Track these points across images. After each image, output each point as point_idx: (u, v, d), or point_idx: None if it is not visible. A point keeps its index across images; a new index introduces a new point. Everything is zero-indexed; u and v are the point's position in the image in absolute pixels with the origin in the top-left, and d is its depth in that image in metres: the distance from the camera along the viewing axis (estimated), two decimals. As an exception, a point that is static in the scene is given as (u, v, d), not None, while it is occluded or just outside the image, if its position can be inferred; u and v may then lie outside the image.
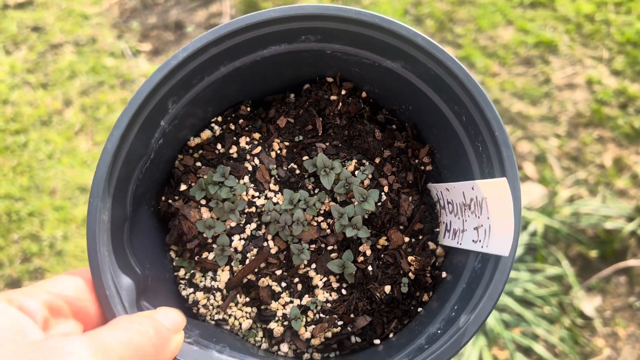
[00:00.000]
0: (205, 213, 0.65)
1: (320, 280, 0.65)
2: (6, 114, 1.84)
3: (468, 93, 0.58)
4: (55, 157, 1.78)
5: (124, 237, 0.59)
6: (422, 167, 0.69)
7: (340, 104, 0.68)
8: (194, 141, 0.68)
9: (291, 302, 0.65)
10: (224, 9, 2.03)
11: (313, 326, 0.64)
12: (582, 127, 1.78)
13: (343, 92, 0.69)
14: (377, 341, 0.64)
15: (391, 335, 0.64)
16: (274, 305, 0.64)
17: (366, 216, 0.66)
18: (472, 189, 0.58)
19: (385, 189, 0.66)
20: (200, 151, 0.68)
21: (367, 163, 0.67)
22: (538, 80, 1.85)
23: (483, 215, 0.57)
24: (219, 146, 0.68)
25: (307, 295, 0.65)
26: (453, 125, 0.63)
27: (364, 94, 0.71)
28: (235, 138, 0.68)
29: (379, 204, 0.65)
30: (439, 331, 0.57)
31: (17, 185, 1.74)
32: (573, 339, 1.51)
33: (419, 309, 0.65)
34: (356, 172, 0.66)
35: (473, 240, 0.59)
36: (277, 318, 0.64)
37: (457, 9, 2.00)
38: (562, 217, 1.63)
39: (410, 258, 0.64)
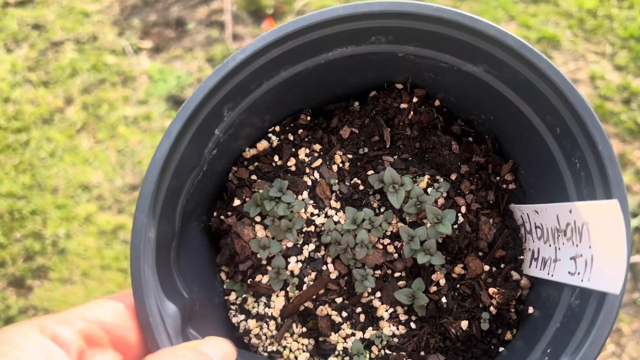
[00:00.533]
0: (260, 231, 0.59)
1: (386, 311, 0.58)
2: (7, 112, 1.84)
3: (565, 101, 0.50)
4: (57, 155, 1.77)
5: (171, 257, 0.53)
6: (505, 186, 0.61)
7: (412, 112, 0.61)
8: (249, 152, 0.62)
9: (353, 334, 0.58)
10: (225, 6, 1.99)
11: (377, 363, 0.57)
12: None
13: (415, 99, 0.62)
14: (450, 384, 0.56)
15: (467, 378, 0.56)
16: (333, 337, 0.57)
17: (440, 240, 0.58)
18: (570, 212, 0.50)
19: (463, 209, 0.58)
20: (256, 163, 0.62)
21: (442, 179, 0.60)
22: None
23: (584, 243, 0.49)
24: (276, 158, 0.62)
25: (370, 328, 0.58)
26: (544, 137, 0.54)
27: (437, 102, 0.63)
28: (293, 149, 0.62)
29: (456, 226, 0.58)
30: (529, 379, 0.48)
31: (19, 184, 1.73)
32: None
33: (500, 349, 0.56)
34: (429, 190, 0.59)
35: (570, 272, 0.51)
36: (337, 352, 0.57)
37: (459, 4, 1.95)
38: None
39: (491, 290, 0.56)
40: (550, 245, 0.54)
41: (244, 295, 0.59)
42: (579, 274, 0.49)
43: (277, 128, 0.63)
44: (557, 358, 0.47)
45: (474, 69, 0.56)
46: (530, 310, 0.56)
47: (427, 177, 0.59)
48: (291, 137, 0.63)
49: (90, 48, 1.96)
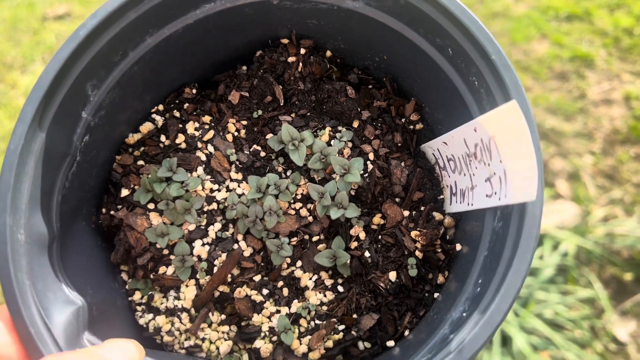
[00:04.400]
0: (156, 219, 0.53)
1: (310, 279, 0.53)
2: None
3: (450, 16, 0.47)
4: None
5: (54, 260, 0.46)
6: (411, 127, 0.57)
7: (301, 65, 0.57)
8: (132, 137, 0.56)
9: (277, 311, 0.52)
10: None
11: (309, 337, 0.51)
12: (619, 144, 1.69)
13: (302, 51, 0.57)
14: (390, 343, 0.51)
15: (407, 332, 0.52)
16: (256, 318, 0.52)
17: (352, 192, 0.54)
18: (475, 130, 0.47)
19: (371, 156, 0.54)
20: (142, 148, 0.56)
21: (344, 129, 0.55)
22: (573, 96, 1.76)
23: (494, 159, 0.46)
24: (162, 138, 0.56)
25: (296, 300, 0.53)
26: (439, 63, 0.51)
27: (328, 53, 0.59)
28: (181, 125, 0.56)
29: (366, 174, 0.53)
30: (464, 314, 0.44)
31: None
32: None
33: (435, 295, 0.52)
34: (332, 142, 0.55)
35: (487, 195, 0.47)
36: (262, 334, 0.52)
37: (490, 21, 1.92)
38: (596, 237, 1.54)
39: (413, 233, 0.52)
40: (464, 175, 0.51)
41: (150, 292, 0.53)
42: (495, 193, 0.46)
43: (161, 107, 0.58)
44: (488, 285, 0.43)
45: (354, 4, 0.52)
46: (458, 247, 0.52)
47: (328, 129, 0.55)
48: (177, 114, 0.57)
49: None
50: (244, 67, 0.59)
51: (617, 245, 1.54)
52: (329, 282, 0.53)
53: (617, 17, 1.93)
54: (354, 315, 0.52)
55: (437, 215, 0.54)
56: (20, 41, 1.98)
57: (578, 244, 1.52)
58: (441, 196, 0.55)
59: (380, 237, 0.53)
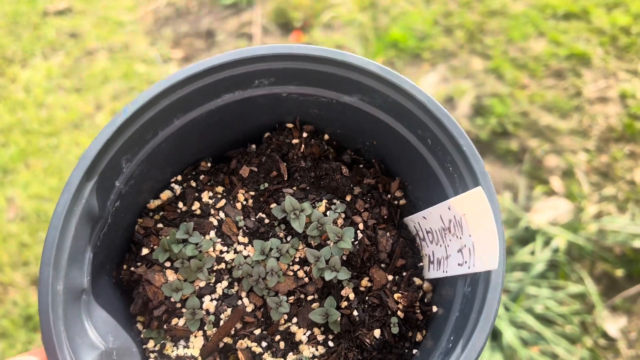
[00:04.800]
0: (171, 275, 0.60)
1: (304, 334, 0.60)
2: (41, 117, 1.85)
3: (429, 113, 0.57)
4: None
5: (82, 310, 0.53)
6: (396, 202, 0.66)
7: (303, 146, 0.66)
8: (154, 203, 0.64)
9: (275, 362, 0.59)
10: (255, 18, 2.06)
11: (302, 386, 0.58)
12: (613, 142, 1.73)
13: (304, 134, 0.67)
14: (374, 394, 0.58)
15: (388, 384, 0.58)
16: (256, 368, 0.58)
17: (344, 257, 0.62)
18: (449, 209, 0.56)
19: (361, 226, 0.63)
20: (161, 212, 0.64)
21: (338, 202, 0.64)
22: (569, 93, 1.81)
23: (465, 234, 0.54)
24: (180, 204, 0.64)
25: (291, 353, 0.59)
26: (420, 151, 0.61)
27: (326, 137, 0.69)
28: (197, 194, 0.65)
29: (356, 242, 0.62)
30: (438, 366, 0.51)
31: (47, 186, 1.72)
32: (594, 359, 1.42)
33: (414, 351, 0.59)
34: (328, 212, 0.63)
35: (459, 264, 0.56)
36: (261, 382, 0.58)
37: (487, 20, 1.98)
38: (588, 233, 1.57)
39: (396, 295, 0.60)
40: (440, 246, 0.60)
41: (162, 341, 0.60)
42: (465, 262, 0.55)
43: (179, 177, 0.66)
44: (458, 341, 0.51)
45: (350, 100, 0.62)
46: (435, 309, 0.60)
47: (324, 201, 0.64)
48: (194, 184, 0.66)
49: (122, 57, 1.99)
50: (254, 146, 0.69)
51: (609, 241, 1.56)
52: (320, 338, 0.60)
53: (615, 15, 1.96)
54: (343, 368, 0.58)
55: (417, 280, 0.62)
56: (21, 36, 2.04)
57: (570, 240, 1.54)
58: (421, 263, 0.63)
59: (367, 297, 0.60)
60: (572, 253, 1.58)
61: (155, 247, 0.62)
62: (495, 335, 1.41)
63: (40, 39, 2.06)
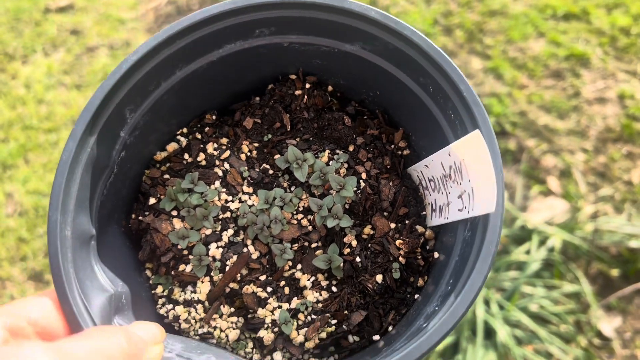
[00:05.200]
0: (178, 224, 0.62)
1: (308, 280, 0.61)
2: (40, 113, 1.87)
3: (430, 60, 0.57)
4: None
5: (91, 254, 0.55)
6: (399, 152, 0.66)
7: (306, 97, 0.67)
8: (160, 155, 0.66)
9: (279, 307, 0.61)
10: None
11: (305, 329, 0.60)
12: (611, 143, 1.73)
13: (307, 85, 0.67)
14: (376, 337, 0.60)
15: (390, 328, 0.60)
16: (261, 312, 0.60)
17: (347, 206, 0.62)
18: (449, 155, 0.56)
19: (363, 175, 0.63)
20: (168, 164, 0.66)
21: (341, 152, 0.65)
22: (567, 94, 1.81)
23: (464, 179, 0.54)
24: (186, 156, 0.66)
25: (295, 298, 0.61)
26: (422, 99, 0.61)
27: (330, 88, 0.69)
28: (202, 146, 0.66)
29: (358, 191, 0.62)
30: (436, 308, 0.52)
31: (46, 182, 1.76)
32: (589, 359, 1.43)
33: (416, 296, 0.60)
34: (330, 162, 0.64)
35: (459, 210, 0.56)
36: (266, 325, 0.60)
37: (487, 19, 1.97)
38: (584, 233, 1.57)
39: (398, 242, 0.61)
40: (442, 193, 0.60)
41: (170, 287, 0.62)
42: (465, 207, 0.55)
43: (185, 130, 0.67)
44: (456, 284, 0.51)
45: (352, 48, 0.62)
46: (436, 255, 0.61)
47: (327, 151, 0.64)
48: (199, 136, 0.67)
49: (122, 54, 2.00)
50: (257, 98, 0.69)
51: (605, 241, 1.56)
52: (324, 283, 0.61)
53: (615, 16, 1.94)
54: (345, 312, 0.60)
55: (420, 228, 0.62)
56: (23, 32, 2.05)
57: (566, 240, 1.54)
58: (424, 212, 0.64)
59: (369, 245, 0.61)
60: (568, 252, 1.58)
61: (162, 196, 0.63)
62: (489, 333, 1.41)
63: (42, 36, 2.06)
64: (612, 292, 1.54)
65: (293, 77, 0.68)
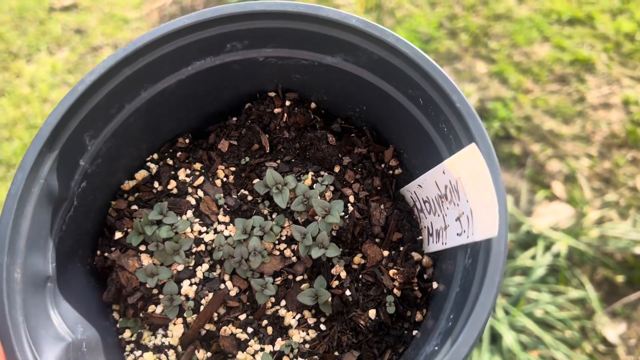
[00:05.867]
0: (146, 260, 0.56)
1: (293, 318, 0.55)
2: (45, 112, 1.83)
3: (419, 69, 0.51)
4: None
5: (47, 298, 0.49)
6: (391, 172, 0.61)
7: (286, 115, 0.61)
8: (128, 184, 0.60)
9: (262, 349, 0.54)
10: None
11: (291, 374, 0.53)
12: (616, 148, 1.71)
13: (287, 103, 0.62)
14: (371, 380, 0.53)
15: (387, 369, 0.53)
16: (241, 356, 0.54)
17: (334, 233, 0.56)
18: (444, 172, 0.50)
19: (351, 198, 0.57)
20: (136, 194, 0.60)
21: (326, 173, 0.59)
22: (572, 99, 1.80)
23: (462, 199, 0.48)
24: (156, 184, 0.60)
25: (279, 339, 0.55)
26: (412, 112, 0.55)
27: (313, 105, 0.64)
28: (173, 172, 0.60)
29: (346, 216, 0.56)
30: (436, 347, 0.46)
31: None
32: None
33: (414, 332, 0.54)
34: (314, 185, 0.58)
35: (457, 234, 0.50)
36: (247, 371, 0.54)
37: (492, 23, 1.97)
38: (589, 239, 1.55)
39: (392, 272, 0.54)
40: (438, 215, 0.54)
41: (139, 331, 0.55)
42: (464, 231, 0.49)
43: (155, 156, 0.62)
44: (458, 319, 0.45)
45: (333, 60, 0.57)
46: (435, 285, 0.54)
47: (310, 173, 0.58)
48: (170, 162, 0.61)
49: None
50: (234, 118, 0.64)
51: (610, 247, 1.55)
52: (311, 321, 0.55)
53: (619, 22, 1.95)
54: (336, 353, 0.53)
55: (416, 255, 0.56)
56: (27, 31, 2.03)
57: (571, 245, 1.53)
58: (420, 237, 0.58)
59: (360, 276, 0.55)
60: (573, 258, 1.56)
61: (129, 230, 0.57)
62: (494, 338, 1.40)
63: (46, 35, 2.05)
64: (617, 299, 1.51)
65: (272, 94, 0.63)
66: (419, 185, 0.55)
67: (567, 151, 1.71)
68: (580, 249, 1.52)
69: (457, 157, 0.47)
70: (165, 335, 0.54)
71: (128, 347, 0.55)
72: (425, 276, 0.56)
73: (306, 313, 0.55)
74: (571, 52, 1.89)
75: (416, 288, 0.54)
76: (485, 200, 0.45)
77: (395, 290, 0.54)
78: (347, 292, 0.54)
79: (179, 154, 0.61)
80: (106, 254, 0.57)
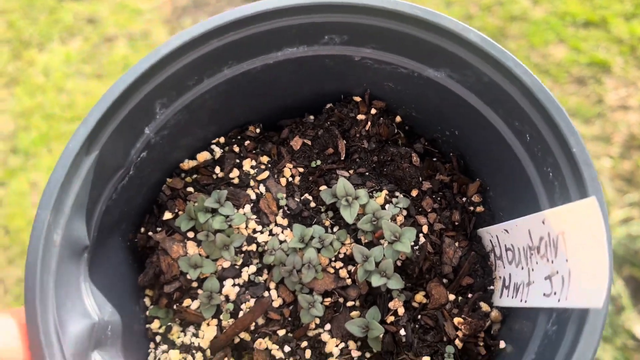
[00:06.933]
0: (192, 248, 0.51)
1: (336, 346, 0.49)
2: (61, 102, 1.82)
3: (534, 101, 0.45)
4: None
5: (81, 269, 0.45)
6: (472, 208, 0.55)
7: (369, 124, 0.56)
8: (188, 164, 0.56)
9: (296, 373, 0.49)
10: None
11: (323, 408, 0.47)
12: (635, 149, 1.69)
13: (373, 111, 0.56)
14: None
15: None
16: (272, 376, 0.48)
17: (399, 263, 0.51)
18: (543, 223, 0.43)
19: (425, 228, 0.52)
20: (195, 175, 0.55)
21: (401, 195, 0.53)
22: (591, 100, 1.77)
23: (559, 257, 0.42)
24: (217, 170, 0.55)
25: (317, 366, 0.49)
26: (513, 148, 0.49)
27: (398, 119, 0.58)
28: (238, 161, 0.55)
29: (416, 247, 0.51)
30: (501, 421, 0.40)
31: None
32: (626, 359, 1.40)
33: (469, 393, 0.47)
34: (387, 206, 0.52)
35: (544, 294, 0.43)
36: (275, 394, 0.48)
37: (508, 24, 1.94)
38: (616, 237, 1.54)
39: (457, 320, 0.48)
40: (522, 268, 0.47)
41: (169, 324, 0.51)
42: (555, 294, 0.42)
43: (222, 140, 0.57)
44: (534, 393, 0.39)
45: (436, 74, 0.51)
46: (502, 344, 0.48)
47: (385, 192, 0.53)
48: (236, 149, 0.57)
49: (142, 44, 1.97)
50: (312, 117, 0.59)
51: (637, 246, 1.53)
52: (355, 354, 0.49)
53: (633, 26, 1.93)
54: (376, 396, 0.47)
55: (484, 306, 0.50)
56: (38, 19, 2.01)
57: None
58: (491, 287, 0.51)
59: (419, 316, 0.49)
60: None
61: (180, 212, 0.53)
62: None
63: (57, 23, 2.04)
64: (643, 297, 1.54)
65: (358, 99, 0.58)
66: (505, 230, 0.49)
67: (589, 151, 1.71)
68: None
69: (567, 208, 0.40)
70: (196, 335, 0.49)
71: (154, 338, 0.50)
72: (491, 332, 0.49)
73: (351, 344, 0.49)
74: (587, 54, 1.87)
75: (481, 344, 0.48)
76: (592, 264, 0.39)
77: (457, 341, 0.48)
78: (402, 332, 0.48)
79: (247, 142, 0.57)
80: (150, 233, 0.52)
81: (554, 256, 0.43)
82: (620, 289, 1.48)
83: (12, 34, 2.00)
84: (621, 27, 1.94)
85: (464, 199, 0.55)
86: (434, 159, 0.58)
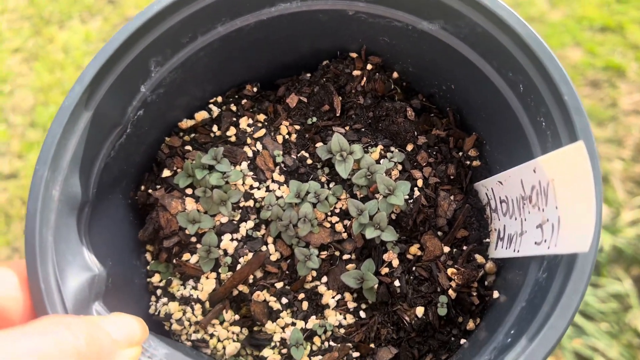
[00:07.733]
0: (190, 204, 0.52)
1: (332, 297, 0.50)
2: None
3: (527, 51, 0.45)
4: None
5: (81, 224, 0.46)
6: (468, 162, 0.55)
7: (365, 79, 0.56)
8: (186, 123, 0.56)
9: (293, 324, 0.50)
10: None
11: (319, 357, 0.49)
12: None
13: (369, 67, 0.56)
14: (404, 382, 0.48)
15: (424, 375, 0.48)
16: (270, 326, 0.50)
17: (393, 216, 0.51)
18: (534, 171, 0.43)
19: (419, 182, 0.52)
20: (193, 134, 0.56)
21: (396, 150, 0.54)
22: (605, 104, 1.79)
23: (549, 205, 0.42)
24: (215, 128, 0.56)
25: (314, 317, 0.50)
26: (507, 99, 0.49)
27: (395, 75, 0.58)
28: (235, 119, 0.56)
29: (411, 200, 0.51)
30: (489, 364, 0.40)
31: None
32: (632, 356, 1.43)
33: (462, 341, 0.48)
34: (382, 161, 0.53)
35: (536, 243, 0.44)
36: (273, 343, 0.49)
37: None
38: (626, 237, 1.56)
39: (450, 270, 0.49)
40: (515, 219, 0.48)
41: (169, 277, 0.52)
42: (545, 241, 0.43)
43: (219, 99, 0.58)
44: (520, 337, 0.39)
45: (430, 27, 0.51)
46: (496, 294, 0.48)
47: (380, 147, 0.53)
48: (234, 108, 0.57)
49: None
50: (308, 74, 0.59)
51: None
52: (351, 305, 0.50)
53: None
54: (372, 345, 0.49)
55: (479, 258, 0.50)
56: None
57: (610, 243, 1.55)
58: (487, 239, 0.52)
59: (414, 268, 0.50)
60: (611, 254, 1.58)
61: (178, 170, 0.54)
62: None
63: (78, 2, 2.04)
64: (650, 296, 1.58)
65: (353, 55, 0.57)
66: (499, 182, 0.49)
67: (601, 153, 1.71)
68: (619, 246, 1.54)
69: (556, 155, 0.40)
70: (195, 288, 0.51)
71: (155, 291, 0.52)
72: (485, 283, 0.50)
73: (347, 295, 0.50)
74: (603, 58, 1.88)
75: (474, 294, 0.49)
76: (580, 210, 0.39)
77: (450, 292, 0.48)
78: (396, 283, 0.49)
79: (244, 101, 0.57)
80: (150, 190, 0.54)
81: (544, 204, 0.43)
82: (628, 288, 1.51)
83: (33, 10, 2.00)
84: (637, 34, 1.96)
85: (460, 153, 0.55)
86: (431, 114, 0.58)
